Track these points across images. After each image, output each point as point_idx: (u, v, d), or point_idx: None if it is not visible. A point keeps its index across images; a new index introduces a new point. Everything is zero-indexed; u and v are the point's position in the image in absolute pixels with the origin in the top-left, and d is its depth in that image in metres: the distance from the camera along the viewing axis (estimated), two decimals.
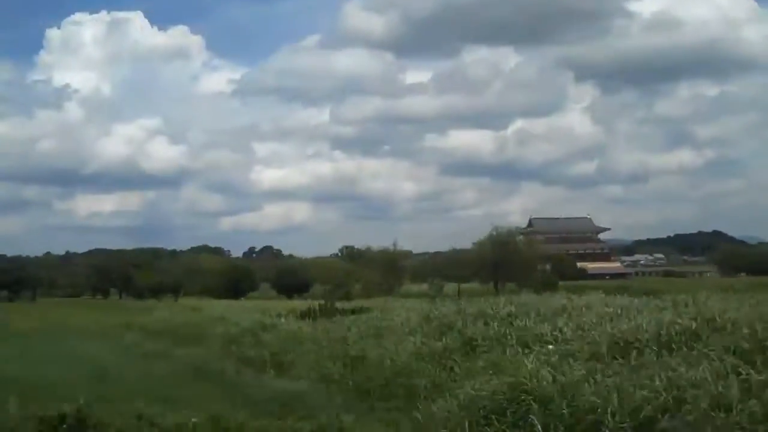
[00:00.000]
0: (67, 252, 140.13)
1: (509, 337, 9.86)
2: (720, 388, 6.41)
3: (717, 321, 9.20)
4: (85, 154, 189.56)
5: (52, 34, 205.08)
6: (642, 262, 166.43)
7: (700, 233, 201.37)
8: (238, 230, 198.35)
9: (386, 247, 63.32)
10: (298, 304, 33.27)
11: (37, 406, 7.44)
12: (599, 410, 6.57)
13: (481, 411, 7.53)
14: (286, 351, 15.15)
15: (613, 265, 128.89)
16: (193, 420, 6.89)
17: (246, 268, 72.06)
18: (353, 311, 19.74)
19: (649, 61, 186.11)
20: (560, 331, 9.77)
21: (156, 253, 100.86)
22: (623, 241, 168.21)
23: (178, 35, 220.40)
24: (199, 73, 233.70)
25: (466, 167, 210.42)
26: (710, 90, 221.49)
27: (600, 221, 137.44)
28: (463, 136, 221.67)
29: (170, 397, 12.45)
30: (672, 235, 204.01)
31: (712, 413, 5.99)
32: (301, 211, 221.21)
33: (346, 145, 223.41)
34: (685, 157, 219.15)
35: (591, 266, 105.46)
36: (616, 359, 8.31)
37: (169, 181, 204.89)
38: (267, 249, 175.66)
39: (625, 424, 6.33)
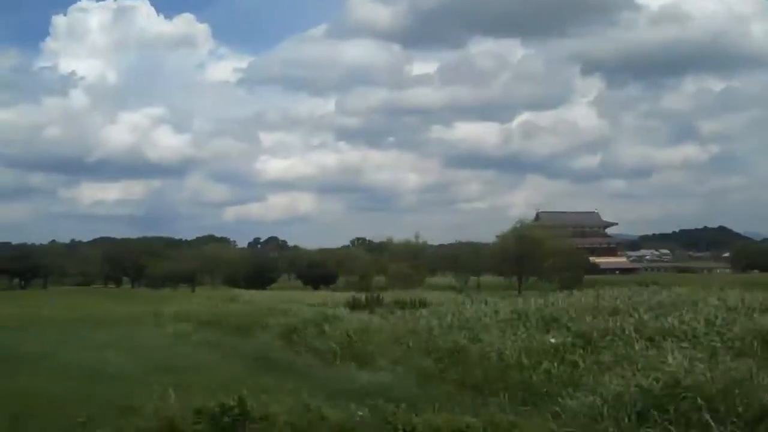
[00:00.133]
0: (73, 240, 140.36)
1: (627, 331, 9.67)
2: None
3: None
4: (91, 141, 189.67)
5: (59, 20, 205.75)
6: (647, 257, 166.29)
7: (705, 229, 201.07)
8: (242, 220, 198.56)
9: (408, 239, 63.40)
10: (329, 294, 33.13)
11: (192, 397, 7.28)
12: None
13: (632, 407, 7.35)
14: (361, 343, 14.97)
15: (620, 260, 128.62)
16: (360, 414, 6.70)
17: (272, 258, 71.65)
18: (413, 304, 19.52)
19: (656, 54, 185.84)
20: (687, 324, 9.55)
21: (167, 243, 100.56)
22: (627, 235, 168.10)
23: (184, 23, 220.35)
24: (204, 62, 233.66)
25: (471, 159, 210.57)
26: (716, 85, 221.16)
27: (604, 216, 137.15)
28: (469, 128, 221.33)
29: (257, 388, 12.37)
30: (677, 230, 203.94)
31: None
32: (305, 202, 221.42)
33: (351, 135, 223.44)
34: (689, 152, 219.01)
35: (599, 261, 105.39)
36: None
37: (174, 170, 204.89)
38: (272, 240, 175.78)
39: None
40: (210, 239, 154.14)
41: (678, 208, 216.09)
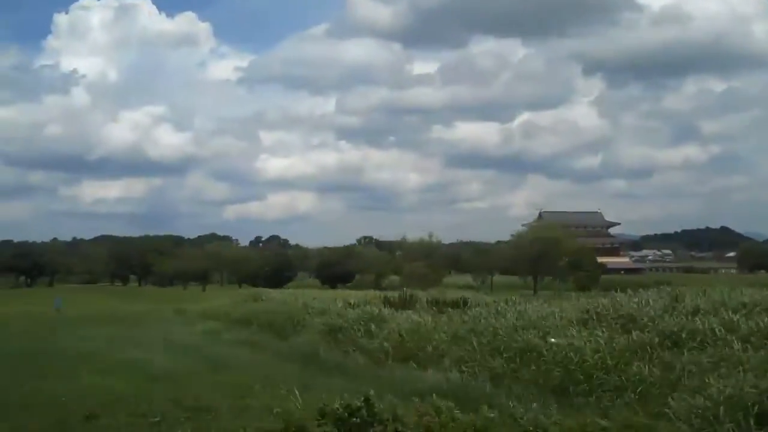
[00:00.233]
0: (74, 238, 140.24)
1: (719, 331, 9.52)
2: None
3: None
4: (92, 140, 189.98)
5: (60, 19, 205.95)
6: (650, 257, 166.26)
7: (707, 229, 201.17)
8: (242, 219, 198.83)
9: (422, 238, 63.20)
10: (353, 293, 32.91)
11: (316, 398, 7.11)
12: None
13: (751, 408, 7.22)
14: (414, 342, 14.81)
15: (623, 260, 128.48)
16: (491, 414, 6.55)
17: (289, 256, 71.41)
18: (455, 303, 19.30)
19: (657, 55, 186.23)
20: None
21: (171, 241, 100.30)
22: (628, 236, 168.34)
23: (186, 22, 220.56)
24: (206, 60, 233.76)
25: (471, 159, 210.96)
26: (717, 85, 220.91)
27: (606, 216, 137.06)
28: (470, 127, 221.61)
29: (323, 388, 12.21)
30: (679, 230, 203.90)
31: None
32: (305, 201, 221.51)
33: (351, 135, 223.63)
34: (690, 152, 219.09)
35: (604, 261, 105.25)
36: None
37: (175, 168, 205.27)
38: (274, 238, 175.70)
39: None
40: (212, 238, 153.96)
41: (679, 209, 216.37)
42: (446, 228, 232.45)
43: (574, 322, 11.92)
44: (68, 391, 11.72)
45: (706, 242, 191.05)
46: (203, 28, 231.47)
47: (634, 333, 10.47)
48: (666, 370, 9.22)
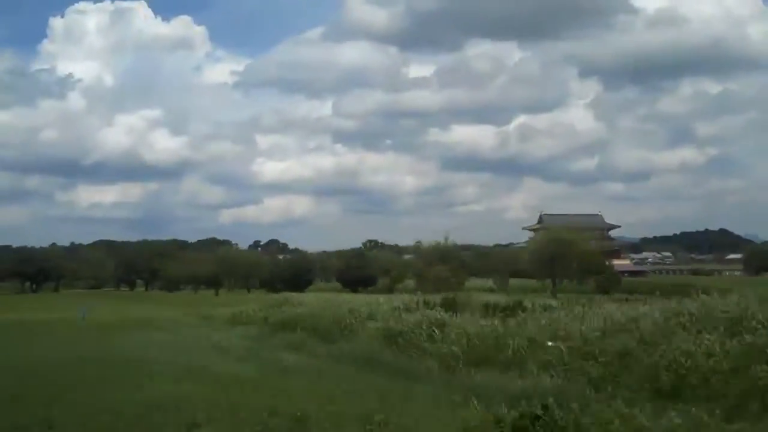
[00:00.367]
0: (72, 243, 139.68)
1: None
2: None
3: None
4: (88, 144, 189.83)
5: (56, 23, 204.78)
6: (650, 260, 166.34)
7: (706, 231, 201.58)
8: (239, 223, 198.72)
9: (438, 241, 62.96)
10: (384, 296, 32.62)
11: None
12: None
13: None
14: (486, 347, 14.58)
15: (624, 263, 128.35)
16: (677, 421, 6.31)
17: (309, 261, 70.88)
18: (511, 308, 19.03)
19: (653, 57, 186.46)
20: None
21: (179, 245, 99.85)
22: (627, 238, 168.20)
23: (182, 26, 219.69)
24: (201, 64, 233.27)
25: (468, 162, 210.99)
26: (713, 88, 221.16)
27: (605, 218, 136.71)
28: (466, 130, 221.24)
29: (398, 395, 11.96)
30: (678, 233, 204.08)
31: None
32: (302, 205, 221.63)
33: (348, 138, 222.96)
34: (687, 154, 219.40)
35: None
36: None
37: (171, 172, 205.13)
38: (273, 242, 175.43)
39: None
40: (212, 242, 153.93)
41: (676, 211, 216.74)
42: (443, 231, 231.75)
43: (672, 324, 11.64)
44: (152, 399, 11.39)
45: (706, 244, 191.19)
46: (199, 31, 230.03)
47: (746, 336, 10.20)
48: None
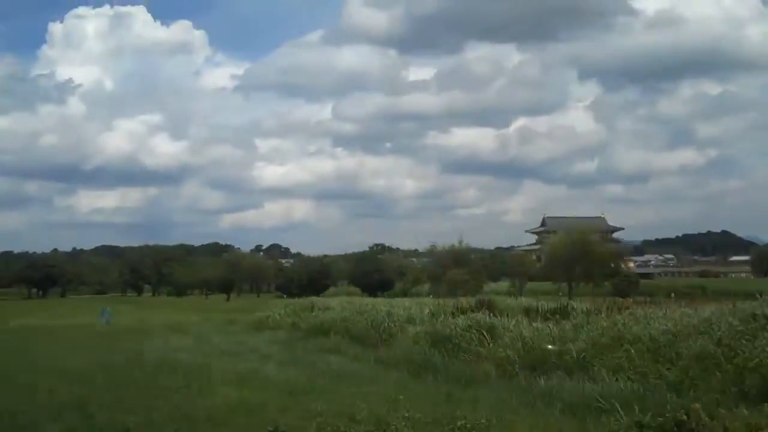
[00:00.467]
0: (74, 248, 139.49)
1: None
2: None
3: None
4: (87, 149, 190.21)
5: (55, 28, 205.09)
6: (652, 262, 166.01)
7: (709, 233, 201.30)
8: (239, 227, 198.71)
9: (452, 244, 62.73)
10: (411, 300, 32.51)
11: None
12: None
13: None
14: (543, 351, 14.42)
15: (628, 265, 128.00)
16: None
17: (325, 265, 70.51)
18: (560, 311, 18.82)
19: (652, 59, 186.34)
20: None
21: (187, 250, 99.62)
22: (629, 241, 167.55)
23: (181, 30, 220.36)
24: (201, 69, 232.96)
25: (468, 165, 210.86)
26: (713, 89, 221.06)
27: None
28: (466, 133, 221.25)
29: (467, 400, 11.79)
30: (680, 235, 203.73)
31: None
32: (302, 209, 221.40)
33: (348, 142, 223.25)
34: (687, 156, 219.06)
35: None
36: None
37: (171, 177, 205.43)
38: (275, 247, 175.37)
39: None
40: (215, 247, 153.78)
41: (676, 213, 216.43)
42: (444, 234, 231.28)
43: (751, 326, 11.47)
44: (223, 405, 11.23)
45: (709, 246, 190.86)
46: (198, 36, 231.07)
47: None
48: None
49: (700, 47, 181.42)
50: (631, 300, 29.69)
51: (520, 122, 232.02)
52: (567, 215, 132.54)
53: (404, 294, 56.64)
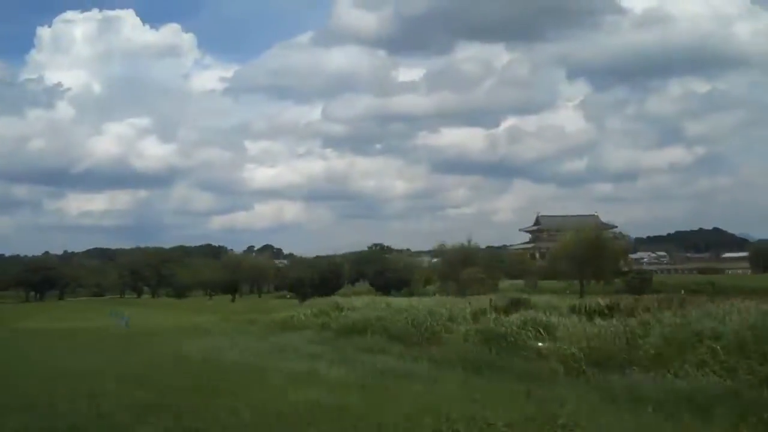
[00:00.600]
0: (65, 251, 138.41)
1: None
2: None
3: None
4: (76, 152, 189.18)
5: (43, 32, 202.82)
6: (645, 259, 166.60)
7: (701, 230, 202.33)
8: (230, 229, 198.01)
9: (461, 243, 62.49)
10: (443, 299, 32.27)
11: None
12: None
13: None
14: (607, 349, 14.18)
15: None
16: None
17: (339, 265, 69.89)
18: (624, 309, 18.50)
19: (641, 57, 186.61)
20: None
21: (184, 251, 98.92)
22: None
23: (170, 33, 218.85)
24: (190, 71, 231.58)
25: (458, 165, 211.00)
26: (701, 87, 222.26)
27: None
28: (455, 133, 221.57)
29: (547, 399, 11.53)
30: (672, 232, 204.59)
31: None
32: (292, 210, 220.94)
33: (338, 143, 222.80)
34: (676, 154, 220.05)
35: None
36: None
37: (160, 179, 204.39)
38: (267, 248, 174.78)
39: None
40: (208, 249, 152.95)
41: (666, 211, 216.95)
42: (434, 234, 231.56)
43: None
44: (300, 405, 10.83)
45: (702, 244, 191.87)
46: (187, 39, 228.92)
47: None
48: None
49: (689, 45, 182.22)
50: (655, 297, 29.63)
51: (510, 122, 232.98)
52: (561, 214, 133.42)
53: (410, 294, 56.32)
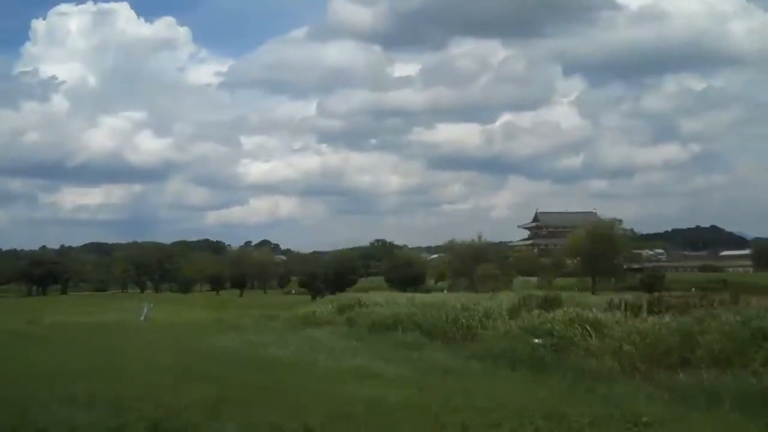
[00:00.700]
0: (62, 246, 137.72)
1: None
2: None
3: None
4: (71, 146, 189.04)
5: (38, 25, 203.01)
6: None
7: (698, 228, 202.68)
8: (225, 224, 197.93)
9: (472, 239, 62.44)
10: (467, 295, 32.15)
11: None
12: None
13: None
14: (674, 346, 14.07)
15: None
16: None
17: (352, 260, 69.71)
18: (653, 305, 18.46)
19: (636, 54, 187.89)
20: None
21: (187, 245, 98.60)
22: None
23: (165, 26, 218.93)
24: (185, 65, 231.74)
25: (453, 161, 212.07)
26: (697, 84, 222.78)
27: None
28: (451, 129, 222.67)
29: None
30: (669, 230, 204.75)
31: None
32: (287, 205, 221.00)
33: (333, 138, 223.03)
34: (672, 151, 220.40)
35: None
36: None
37: (155, 174, 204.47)
38: (264, 243, 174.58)
39: None
40: (205, 244, 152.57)
41: (662, 208, 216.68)
42: (429, 230, 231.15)
43: None
44: (370, 403, 10.69)
45: (700, 241, 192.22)
46: (182, 32, 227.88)
47: None
48: None
49: (684, 42, 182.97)
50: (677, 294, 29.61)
51: (505, 118, 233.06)
52: (559, 211, 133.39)
53: (427, 290, 56.16)
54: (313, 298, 51.95)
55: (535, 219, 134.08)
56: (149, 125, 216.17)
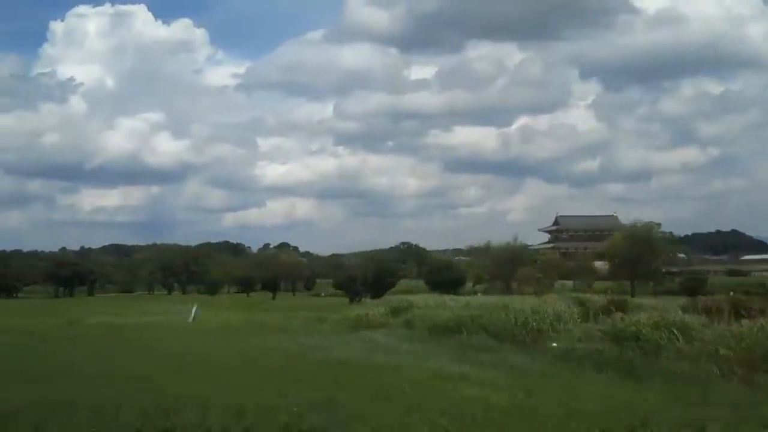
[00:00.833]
0: (82, 247, 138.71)
1: None
2: None
3: None
4: (89, 148, 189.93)
5: (56, 26, 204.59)
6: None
7: (718, 233, 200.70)
8: (242, 226, 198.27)
9: (508, 242, 61.99)
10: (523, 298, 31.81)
11: None
12: None
13: None
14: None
15: None
16: None
17: (390, 262, 69.56)
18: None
19: (654, 58, 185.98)
20: None
21: (211, 247, 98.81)
22: None
23: (182, 28, 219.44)
24: (202, 67, 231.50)
25: (470, 164, 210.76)
26: (714, 88, 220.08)
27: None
28: (468, 132, 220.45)
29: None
30: (689, 234, 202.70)
31: None
32: (304, 207, 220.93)
33: (349, 140, 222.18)
34: (689, 155, 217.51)
35: None
36: None
37: (173, 175, 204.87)
38: (284, 245, 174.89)
39: None
40: (225, 245, 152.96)
41: (680, 212, 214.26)
42: (446, 233, 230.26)
43: None
44: (483, 408, 10.47)
45: (721, 245, 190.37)
46: (199, 34, 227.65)
47: None
48: None
49: (702, 46, 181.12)
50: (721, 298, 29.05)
51: (522, 121, 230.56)
52: (579, 214, 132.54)
53: (474, 292, 55.76)
54: (351, 300, 51.60)
55: (556, 222, 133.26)
56: (167, 127, 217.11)
